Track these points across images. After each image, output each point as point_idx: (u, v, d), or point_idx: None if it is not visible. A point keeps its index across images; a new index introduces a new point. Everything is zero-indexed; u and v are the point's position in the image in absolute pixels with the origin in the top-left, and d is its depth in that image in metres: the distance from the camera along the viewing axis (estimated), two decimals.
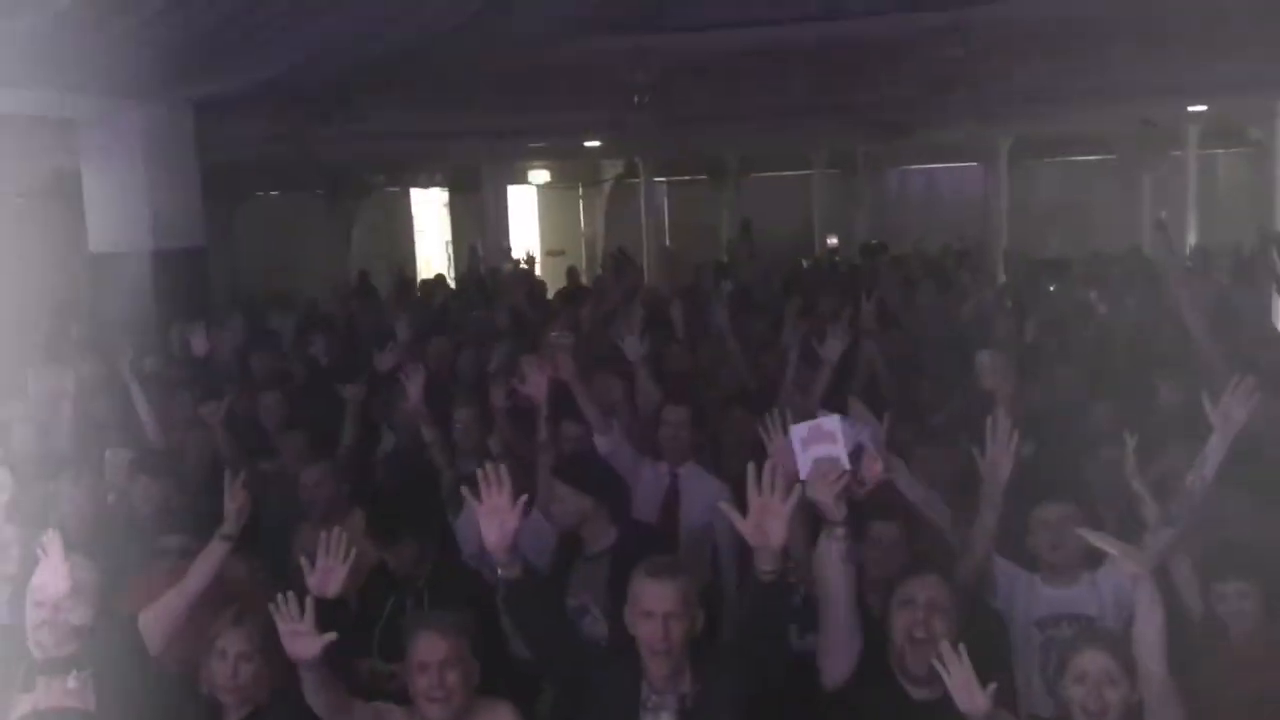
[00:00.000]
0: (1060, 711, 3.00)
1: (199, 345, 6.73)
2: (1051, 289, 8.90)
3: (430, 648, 2.97)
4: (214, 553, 3.55)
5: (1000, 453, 3.48)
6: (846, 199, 18.88)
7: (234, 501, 3.55)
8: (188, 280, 8.74)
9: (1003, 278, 11.75)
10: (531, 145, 15.68)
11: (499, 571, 3.07)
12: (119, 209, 8.81)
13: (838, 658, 3.12)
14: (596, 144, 15.11)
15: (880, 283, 9.04)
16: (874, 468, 3.52)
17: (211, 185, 9.62)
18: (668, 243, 18.80)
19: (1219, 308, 6.59)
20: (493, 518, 3.02)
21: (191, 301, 8.33)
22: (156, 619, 3.48)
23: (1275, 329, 6.26)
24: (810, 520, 3.39)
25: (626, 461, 4.47)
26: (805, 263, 14.81)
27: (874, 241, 15.95)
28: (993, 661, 3.49)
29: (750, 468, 2.95)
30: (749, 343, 6.59)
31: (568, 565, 3.82)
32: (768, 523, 2.89)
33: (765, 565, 2.91)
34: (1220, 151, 16.48)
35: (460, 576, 3.84)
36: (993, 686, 2.73)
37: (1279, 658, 3.39)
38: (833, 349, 5.30)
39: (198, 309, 8.09)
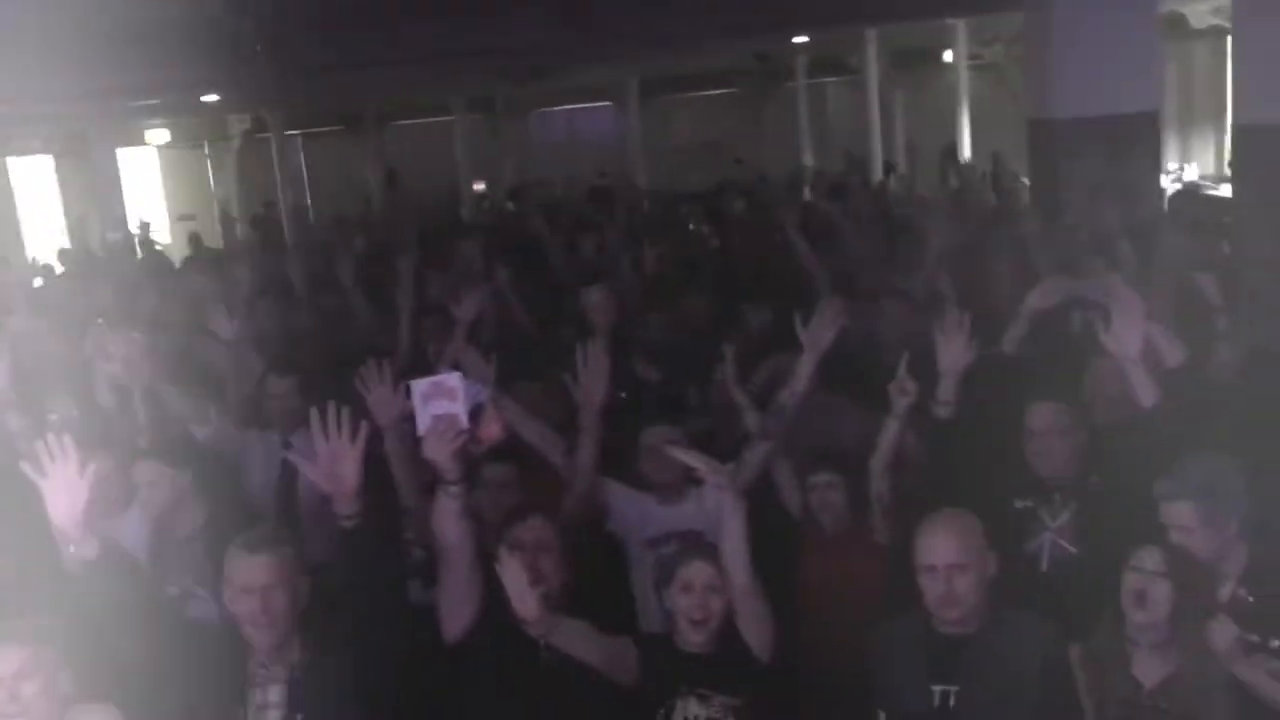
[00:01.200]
0: (668, 623, 3.15)
1: None
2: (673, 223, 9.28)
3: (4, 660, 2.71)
4: None
5: (592, 380, 3.60)
6: (491, 144, 18.84)
7: None
8: None
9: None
10: (143, 104, 14.54)
11: (72, 551, 2.86)
12: None
13: (459, 610, 3.13)
14: (215, 99, 14.21)
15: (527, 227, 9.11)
16: (491, 428, 3.56)
17: None
18: (308, 200, 18.09)
19: (821, 231, 7.09)
20: (60, 493, 2.83)
21: None
22: None
23: (865, 246, 6.81)
24: (428, 476, 3.37)
25: (232, 441, 4.28)
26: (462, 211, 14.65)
27: (518, 185, 16.02)
28: (610, 582, 3.66)
29: (314, 414, 2.89)
30: (382, 300, 6.44)
31: (159, 552, 3.60)
32: (339, 468, 2.86)
33: (344, 510, 2.87)
34: (829, 80, 17.70)
35: (54, 578, 3.53)
36: (541, 590, 2.88)
37: (864, 545, 3.73)
38: (467, 309, 5.13)
39: None
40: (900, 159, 15.09)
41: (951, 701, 2.85)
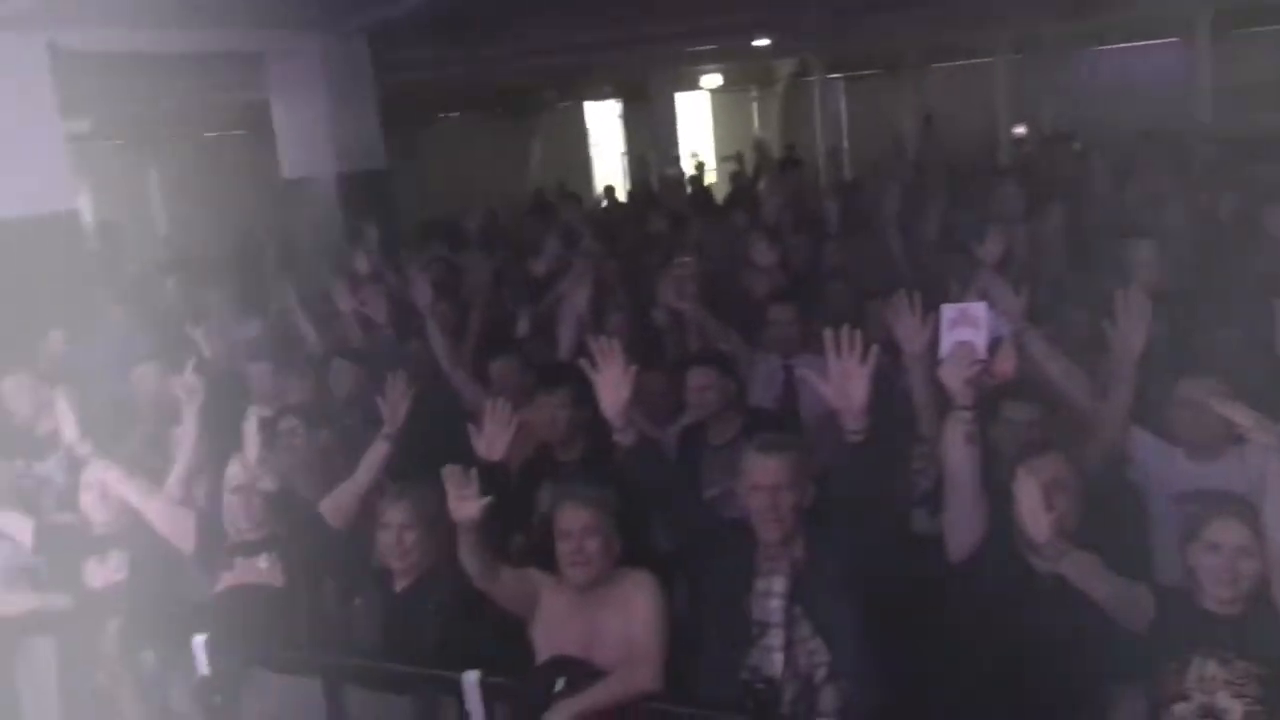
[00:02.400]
0: (1187, 579, 3.00)
1: (361, 265, 7.08)
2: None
3: (572, 517, 3.22)
4: (378, 451, 3.90)
5: (1132, 329, 3.44)
6: (1034, 86, 18.04)
7: (392, 402, 3.88)
8: (371, 202, 9.24)
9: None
10: (699, 49, 15.60)
11: (615, 436, 3.31)
12: (306, 136, 9.37)
13: (961, 533, 3.20)
14: (766, 43, 14.92)
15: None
16: (1006, 363, 3.57)
17: (394, 110, 10.03)
18: (845, 143, 18.49)
19: None
20: (609, 387, 3.28)
21: (376, 222, 8.77)
22: (334, 509, 3.90)
23: None
24: (943, 405, 3.46)
25: (742, 359, 4.71)
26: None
27: (1058, 130, 15.26)
28: (1127, 533, 3.52)
29: (827, 335, 3.06)
30: (917, 239, 6.58)
31: (695, 456, 4.02)
32: (848, 386, 3.02)
33: (851, 426, 3.04)
34: None
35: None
36: (1054, 515, 2.84)
37: None
38: (991, 251, 5.12)
39: (381, 229, 8.55)
40: None
41: None
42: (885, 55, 18.45)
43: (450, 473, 3.14)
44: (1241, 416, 2.98)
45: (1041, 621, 2.99)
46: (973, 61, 18.43)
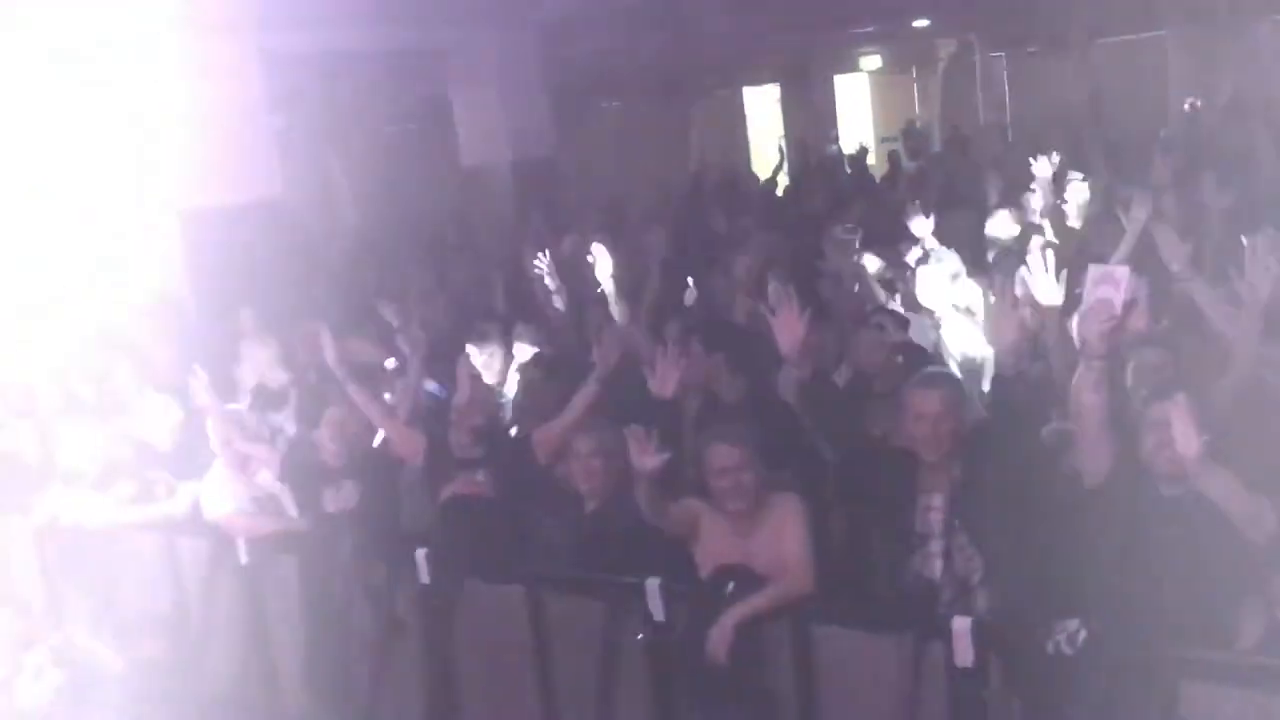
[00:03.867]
0: None
1: (537, 241, 7.59)
2: None
3: (725, 455, 3.65)
4: (588, 393, 4.39)
5: (1258, 274, 3.66)
6: (1209, 59, 17.48)
7: (603, 351, 4.38)
8: (540, 187, 9.84)
9: None
10: (859, 31, 15.71)
11: (792, 370, 3.73)
12: (481, 127, 10.04)
13: (1091, 462, 3.50)
14: (925, 24, 14.94)
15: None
16: (1139, 320, 3.86)
17: (561, 98, 10.58)
18: (1007, 120, 18.26)
19: None
20: (785, 328, 3.69)
21: (544, 205, 9.36)
22: (543, 439, 4.42)
23: None
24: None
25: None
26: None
27: (1231, 103, 14.79)
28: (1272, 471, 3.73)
29: (983, 284, 3.41)
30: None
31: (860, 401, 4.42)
32: (999, 327, 3.37)
33: (1002, 360, 3.39)
34: None
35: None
36: (1206, 439, 3.07)
37: None
38: (1136, 217, 5.37)
39: (550, 212, 9.12)
40: None
41: None
42: (1048, 32, 18.15)
43: (633, 431, 3.57)
44: None
45: (1169, 540, 3.26)
46: (1142, 36, 17.97)
